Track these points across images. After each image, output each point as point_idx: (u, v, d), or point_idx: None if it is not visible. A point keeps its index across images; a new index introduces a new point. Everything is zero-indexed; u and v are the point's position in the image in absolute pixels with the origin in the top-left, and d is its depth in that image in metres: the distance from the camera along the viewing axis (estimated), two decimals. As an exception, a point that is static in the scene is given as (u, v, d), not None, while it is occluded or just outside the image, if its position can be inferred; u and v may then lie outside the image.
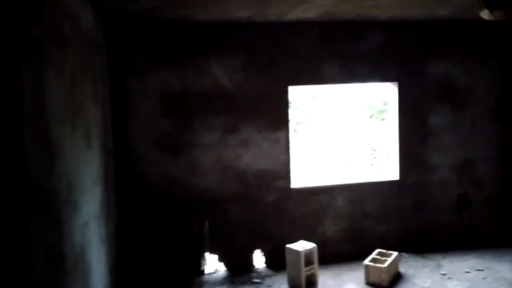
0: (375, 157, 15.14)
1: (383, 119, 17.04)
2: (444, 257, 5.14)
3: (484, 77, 5.56)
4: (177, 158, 4.98)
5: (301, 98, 15.66)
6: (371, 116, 17.22)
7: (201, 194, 5.05)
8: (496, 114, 5.62)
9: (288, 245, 4.58)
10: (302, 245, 4.53)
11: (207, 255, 5.11)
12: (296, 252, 4.47)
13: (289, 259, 4.59)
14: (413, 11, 4.80)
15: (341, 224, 5.39)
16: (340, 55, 5.25)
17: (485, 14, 2.52)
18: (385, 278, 4.44)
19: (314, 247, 4.55)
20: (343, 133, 15.74)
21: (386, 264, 4.53)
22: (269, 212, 5.21)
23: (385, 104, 17.50)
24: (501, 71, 5.58)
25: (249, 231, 5.18)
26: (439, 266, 4.91)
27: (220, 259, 5.17)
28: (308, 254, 4.50)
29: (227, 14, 4.54)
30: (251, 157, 5.14)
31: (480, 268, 4.76)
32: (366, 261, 4.63)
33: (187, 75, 4.93)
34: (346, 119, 17.23)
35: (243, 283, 4.75)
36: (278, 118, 5.17)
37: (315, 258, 4.58)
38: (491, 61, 5.57)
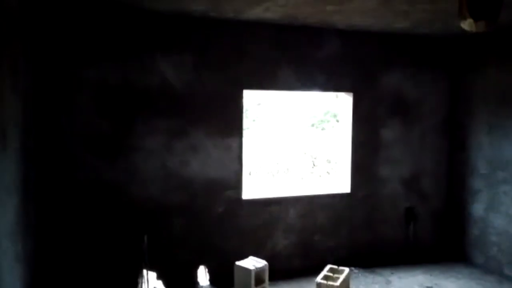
0: (315, 165, 15.39)
1: (323, 129, 17.42)
2: (392, 273, 5.08)
3: (434, 91, 5.65)
4: (114, 163, 4.39)
5: (246, 104, 15.44)
6: (312, 125, 17.52)
7: (141, 204, 4.49)
8: (443, 129, 5.73)
9: (237, 262, 4.19)
10: (252, 263, 4.18)
11: (145, 272, 4.55)
12: (246, 270, 4.10)
13: (237, 277, 4.21)
14: (372, 21, 4.69)
15: (292, 238, 5.12)
16: (298, 61, 5.00)
17: (467, 25, 2.36)
18: (337, 297, 4.23)
19: (265, 265, 4.21)
20: (285, 141, 15.78)
21: (338, 282, 4.31)
22: (217, 225, 4.78)
23: (325, 114, 17.92)
24: (450, 87, 5.71)
25: (194, 246, 4.71)
26: (388, 283, 4.83)
27: (160, 276, 4.64)
28: (259, 272, 4.15)
29: (180, 4, 4.07)
30: (199, 164, 4.69)
31: (429, 285, 4.74)
32: (318, 279, 4.38)
33: (130, 70, 4.37)
34: (288, 127, 17.35)
35: (185, 304, 4.28)
36: (231, 124, 4.79)
37: (266, 276, 4.25)
38: (441, 76, 5.68)
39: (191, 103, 4.60)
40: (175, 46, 4.51)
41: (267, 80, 4.90)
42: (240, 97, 4.79)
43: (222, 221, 4.80)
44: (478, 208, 5.46)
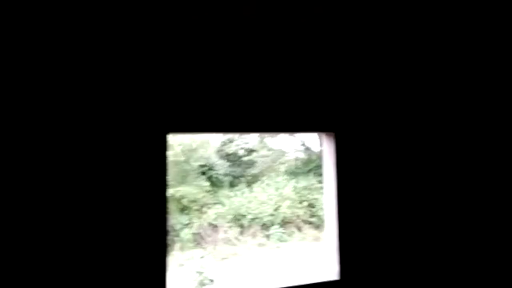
0: (313, 215, 14.07)
1: (320, 175, 15.95)
2: None
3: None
4: None
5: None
6: (309, 170, 16.09)
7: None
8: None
9: None
10: None
11: None
12: None
13: None
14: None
15: None
16: (255, 90, 3.44)
17: None
18: None
19: None
20: (281, 190, 14.40)
21: None
22: None
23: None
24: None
25: None
26: None
27: None
28: None
29: None
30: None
31: None
32: None
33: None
34: (283, 174, 16.02)
35: None
36: (146, 189, 3.12)
37: None
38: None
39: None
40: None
41: (202, 118, 3.30)
42: (160, 146, 3.17)
43: None
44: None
